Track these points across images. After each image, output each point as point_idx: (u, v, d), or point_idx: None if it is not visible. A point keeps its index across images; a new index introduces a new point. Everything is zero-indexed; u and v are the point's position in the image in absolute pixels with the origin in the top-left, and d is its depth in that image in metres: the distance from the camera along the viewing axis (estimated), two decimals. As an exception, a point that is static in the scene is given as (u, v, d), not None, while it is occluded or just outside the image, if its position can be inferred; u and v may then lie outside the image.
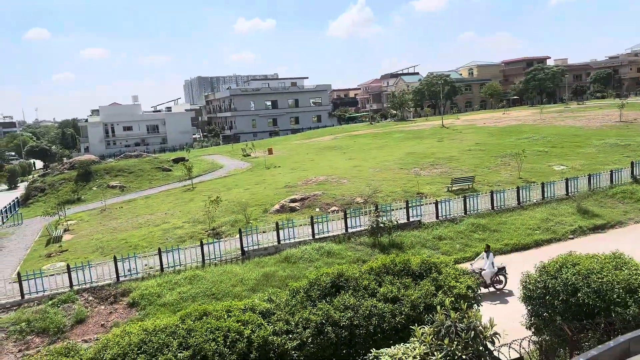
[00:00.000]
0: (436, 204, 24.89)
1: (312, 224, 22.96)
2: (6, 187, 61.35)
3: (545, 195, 26.59)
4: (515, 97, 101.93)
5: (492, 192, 26.05)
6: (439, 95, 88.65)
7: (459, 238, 22.70)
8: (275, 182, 35.52)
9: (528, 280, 11.17)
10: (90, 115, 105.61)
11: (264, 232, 23.33)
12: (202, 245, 21.43)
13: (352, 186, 31.27)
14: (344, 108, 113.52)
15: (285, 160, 49.09)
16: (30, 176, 69.96)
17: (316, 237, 22.70)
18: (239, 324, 10.10)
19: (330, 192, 29.97)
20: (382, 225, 22.13)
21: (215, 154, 63.69)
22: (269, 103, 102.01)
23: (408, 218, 24.11)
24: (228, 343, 9.66)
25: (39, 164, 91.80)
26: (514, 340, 9.59)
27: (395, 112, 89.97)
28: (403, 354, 7.75)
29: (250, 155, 56.23)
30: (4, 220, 36.31)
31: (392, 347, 8.54)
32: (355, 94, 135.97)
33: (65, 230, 30.58)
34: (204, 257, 21.21)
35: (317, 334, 10.12)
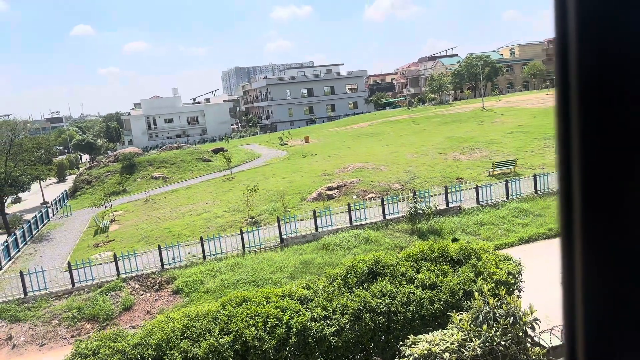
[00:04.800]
0: (477, 188, 24.41)
1: (349, 211, 22.97)
2: (55, 180, 64.02)
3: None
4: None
5: (535, 176, 25.34)
6: (479, 77, 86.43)
7: (500, 223, 22.23)
8: (312, 170, 35.65)
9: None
10: (133, 109, 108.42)
11: (301, 220, 23.51)
12: (242, 233, 21.81)
13: (389, 173, 31.04)
14: (380, 93, 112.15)
15: (321, 148, 49.13)
16: (78, 169, 72.74)
17: (354, 224, 22.71)
18: (278, 310, 10.27)
19: (368, 179, 29.85)
20: (420, 211, 21.90)
21: (253, 144, 64.41)
22: (305, 91, 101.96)
23: (447, 204, 23.76)
24: (267, 328, 9.85)
25: (85, 157, 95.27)
26: (554, 327, 9.37)
27: (433, 95, 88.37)
28: (441, 340, 7.71)
29: (287, 144, 56.56)
30: (55, 212, 37.93)
31: (430, 333, 8.50)
32: (392, 79, 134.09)
33: (111, 221, 31.71)
34: (244, 245, 21.59)
35: (354, 320, 10.18)
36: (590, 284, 0.66)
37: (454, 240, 18.03)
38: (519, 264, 11.63)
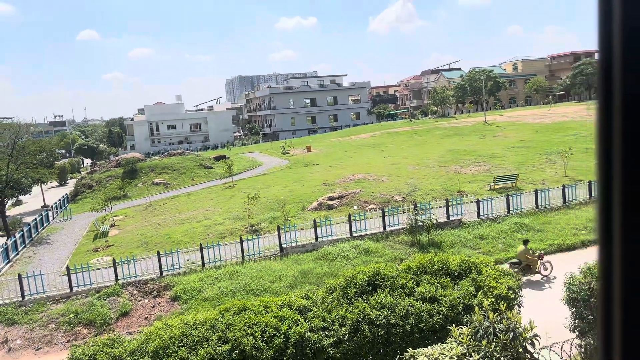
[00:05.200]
0: (477, 202, 24.38)
1: (349, 222, 22.93)
2: (57, 183, 64.08)
3: (593, 194, 25.61)
4: (562, 92, 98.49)
5: (536, 191, 25.32)
6: (482, 91, 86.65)
7: (501, 238, 22.18)
8: (313, 180, 35.65)
9: (572, 282, 10.82)
10: (136, 114, 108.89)
11: (301, 229, 23.47)
12: (241, 241, 21.77)
13: (390, 184, 31.03)
14: (383, 105, 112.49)
15: (323, 157, 49.19)
16: (79, 173, 72.82)
17: (354, 235, 22.66)
18: (276, 319, 10.23)
19: (369, 190, 29.84)
20: (420, 223, 21.86)
21: (255, 152, 64.50)
22: (307, 101, 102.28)
23: (448, 217, 23.72)
24: (265, 338, 9.80)
25: (87, 161, 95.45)
26: (554, 343, 9.32)
27: (435, 108, 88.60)
28: (440, 354, 7.66)
29: (289, 153, 56.63)
30: (55, 216, 37.91)
31: (429, 347, 8.45)
32: (395, 91, 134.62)
33: (111, 226, 31.67)
34: (243, 253, 21.53)
35: (353, 331, 10.12)
36: (631, 288, 0.66)
37: (526, 241, 18.24)
38: (519, 279, 11.60)
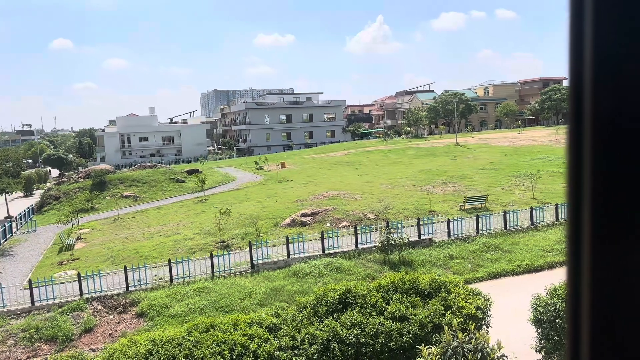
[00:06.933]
0: (448, 222, 24.70)
1: (322, 239, 22.90)
2: (22, 194, 62.19)
3: (560, 217, 26.25)
4: (531, 117, 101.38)
5: (505, 212, 25.81)
6: (454, 114, 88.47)
7: (470, 257, 22.46)
8: (286, 196, 35.57)
9: (539, 303, 11.00)
10: (107, 126, 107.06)
11: (274, 245, 23.32)
12: (212, 257, 21.47)
13: (363, 202, 31.18)
14: (357, 124, 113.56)
15: (297, 174, 49.20)
16: (46, 184, 70.91)
17: (326, 252, 22.62)
18: (245, 337, 10.08)
19: (342, 207, 29.91)
20: (392, 242, 21.98)
21: (228, 167, 64.08)
22: (283, 117, 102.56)
23: (419, 236, 23.94)
24: (234, 357, 9.63)
25: (55, 172, 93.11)
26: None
27: (409, 129, 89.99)
28: (409, 374, 7.66)
29: (263, 169, 56.47)
30: (18, 227, 36.74)
31: (398, 366, 8.45)
32: (370, 110, 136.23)
33: (77, 239, 30.85)
34: (213, 269, 21.22)
35: (323, 350, 10.05)
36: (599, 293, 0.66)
37: None
38: (488, 299, 11.74)
